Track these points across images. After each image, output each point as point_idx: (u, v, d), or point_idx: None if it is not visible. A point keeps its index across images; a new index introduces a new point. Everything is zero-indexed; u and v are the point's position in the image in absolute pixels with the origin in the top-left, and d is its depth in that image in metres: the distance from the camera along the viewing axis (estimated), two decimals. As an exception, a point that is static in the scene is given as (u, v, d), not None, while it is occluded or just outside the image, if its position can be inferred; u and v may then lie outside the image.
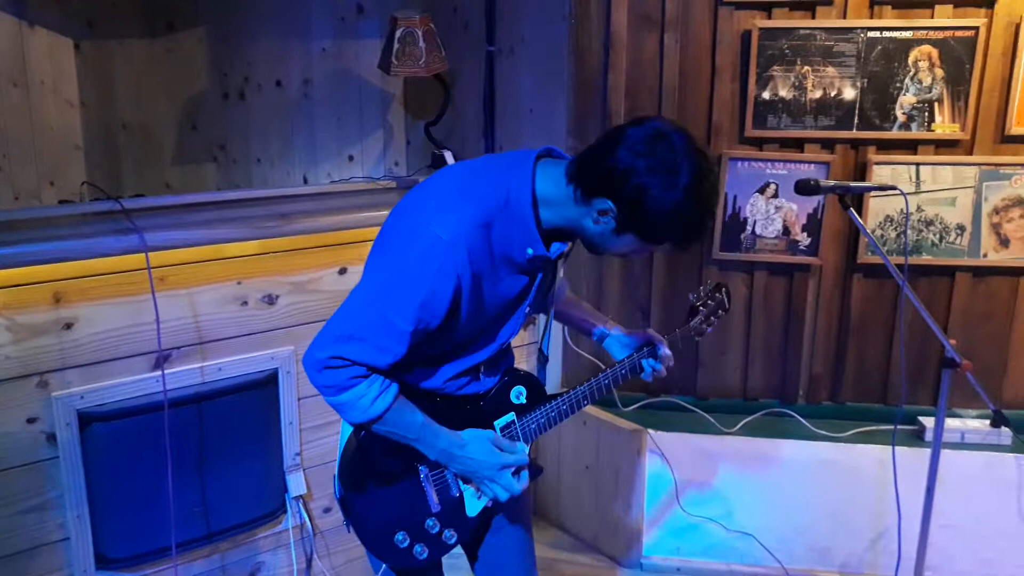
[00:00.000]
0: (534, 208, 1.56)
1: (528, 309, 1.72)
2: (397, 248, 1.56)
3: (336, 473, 1.76)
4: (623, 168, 1.46)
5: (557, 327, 2.66)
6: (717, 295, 2.03)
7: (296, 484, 2.65)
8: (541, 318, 1.92)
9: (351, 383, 1.57)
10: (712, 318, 2.02)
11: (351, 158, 3.84)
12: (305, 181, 3.87)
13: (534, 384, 1.84)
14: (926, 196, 2.83)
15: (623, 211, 1.49)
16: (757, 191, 2.91)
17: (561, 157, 1.63)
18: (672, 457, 2.96)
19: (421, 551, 1.76)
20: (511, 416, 1.80)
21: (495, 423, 1.79)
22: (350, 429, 1.73)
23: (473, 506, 1.80)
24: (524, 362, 2.95)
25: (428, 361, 1.69)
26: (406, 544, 1.75)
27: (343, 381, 1.57)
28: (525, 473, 1.76)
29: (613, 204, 1.48)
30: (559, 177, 1.55)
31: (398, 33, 3.21)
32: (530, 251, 1.59)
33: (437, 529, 1.77)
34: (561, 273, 1.80)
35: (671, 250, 1.60)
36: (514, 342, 1.88)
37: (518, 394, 1.81)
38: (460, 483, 1.78)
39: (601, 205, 1.50)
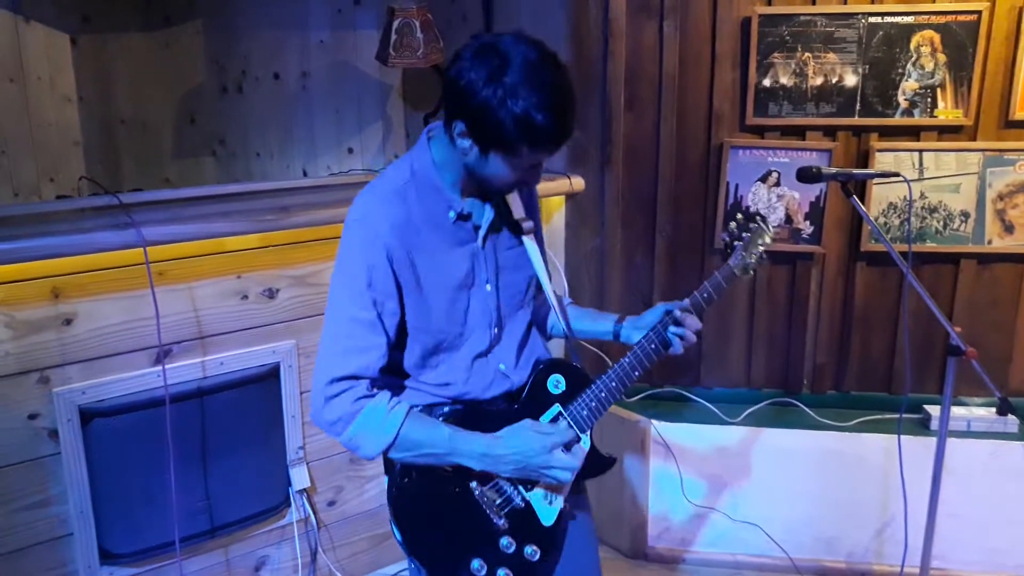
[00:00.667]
0: (437, 172, 1.60)
1: (490, 287, 1.67)
2: (337, 258, 1.61)
3: (391, 520, 1.66)
4: (458, 82, 1.47)
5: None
6: (752, 225, 1.80)
7: (299, 478, 2.64)
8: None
9: (357, 406, 1.56)
10: (753, 249, 1.79)
11: (350, 150, 3.83)
12: (304, 174, 3.87)
13: (571, 369, 1.72)
14: (929, 183, 2.81)
15: (471, 127, 1.48)
16: (759, 179, 2.89)
17: None
18: (676, 448, 2.95)
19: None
20: (556, 408, 1.69)
21: (541, 419, 1.68)
22: (387, 479, 1.67)
23: (547, 514, 1.68)
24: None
25: (427, 365, 1.66)
26: (484, 572, 1.64)
27: (348, 407, 1.56)
28: (578, 449, 1.68)
29: (464, 123, 1.49)
30: (447, 140, 1.58)
31: (395, 24, 3.20)
32: (452, 213, 1.61)
33: (514, 548, 1.66)
34: (537, 250, 1.73)
35: (538, 155, 1.51)
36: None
37: (556, 383, 1.71)
38: (523, 491, 1.67)
39: (457, 128, 1.50)
